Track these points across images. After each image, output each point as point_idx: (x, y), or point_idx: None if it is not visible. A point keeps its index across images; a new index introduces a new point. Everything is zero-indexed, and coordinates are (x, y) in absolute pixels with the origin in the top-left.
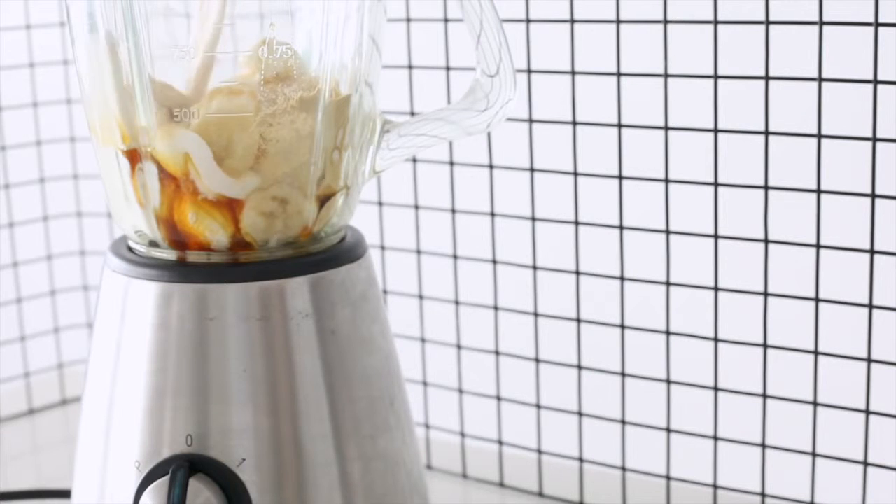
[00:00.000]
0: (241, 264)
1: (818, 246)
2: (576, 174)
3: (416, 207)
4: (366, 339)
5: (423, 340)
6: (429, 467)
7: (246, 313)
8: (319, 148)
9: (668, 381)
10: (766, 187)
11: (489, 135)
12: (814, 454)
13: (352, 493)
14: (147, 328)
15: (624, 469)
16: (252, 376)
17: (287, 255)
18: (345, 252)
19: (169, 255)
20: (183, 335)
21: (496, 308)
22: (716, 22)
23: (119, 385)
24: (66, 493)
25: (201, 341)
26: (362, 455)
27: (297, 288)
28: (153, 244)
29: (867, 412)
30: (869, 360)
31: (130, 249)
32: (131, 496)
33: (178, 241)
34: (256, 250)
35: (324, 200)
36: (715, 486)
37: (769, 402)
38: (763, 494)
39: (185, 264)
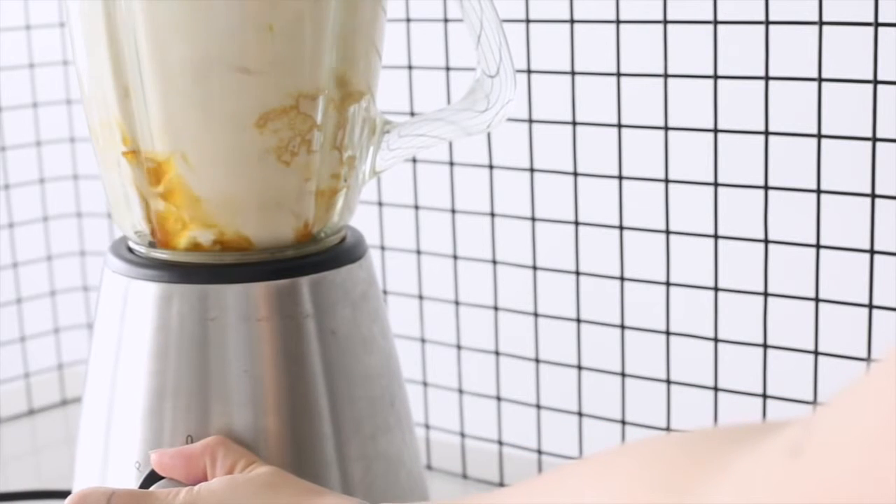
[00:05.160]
0: (242, 265)
1: (818, 246)
2: (576, 174)
3: (416, 207)
4: (366, 339)
5: (423, 340)
6: (429, 467)
7: (246, 313)
8: (319, 148)
9: (668, 381)
10: (766, 187)
11: (489, 135)
12: None
13: (352, 492)
14: (147, 329)
15: None
16: (252, 377)
17: (287, 255)
18: (345, 252)
19: (169, 255)
20: (183, 336)
21: (496, 308)
22: (716, 22)
23: (119, 385)
24: (66, 494)
25: (201, 342)
26: (363, 455)
27: (298, 288)
28: (153, 245)
29: None
30: (869, 360)
31: (130, 250)
32: None
33: (178, 241)
34: (256, 251)
35: (324, 201)
36: None
37: (769, 401)
38: None
39: (185, 265)
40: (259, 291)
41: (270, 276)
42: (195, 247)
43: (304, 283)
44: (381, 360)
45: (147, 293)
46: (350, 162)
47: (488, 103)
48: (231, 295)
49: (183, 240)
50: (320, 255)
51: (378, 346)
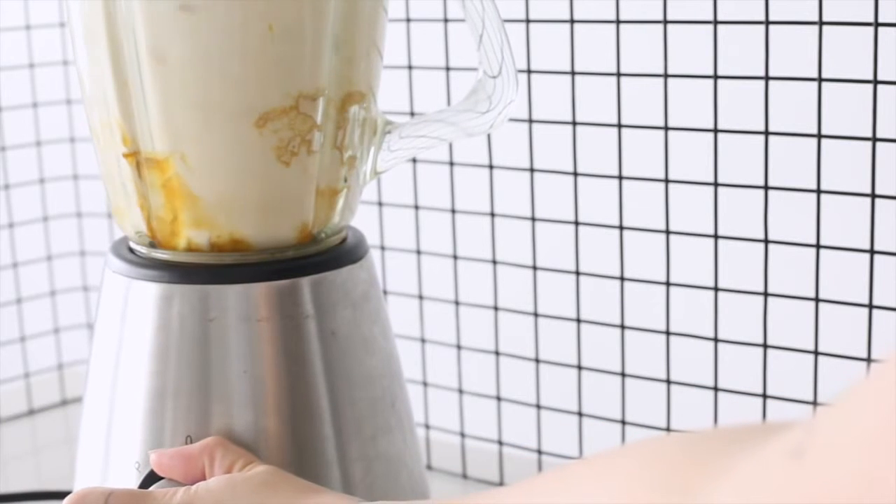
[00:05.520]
0: (242, 265)
1: (818, 246)
2: (576, 174)
3: (416, 208)
4: (367, 339)
5: (423, 340)
6: (429, 467)
7: (246, 314)
8: (320, 149)
9: (668, 381)
10: (766, 187)
11: (489, 135)
12: None
13: (353, 493)
14: (148, 329)
15: None
16: (253, 377)
17: (288, 256)
18: (346, 253)
19: (169, 255)
20: (184, 336)
21: (496, 308)
22: (716, 22)
23: (120, 386)
24: (66, 494)
25: (202, 342)
26: (364, 456)
27: (298, 289)
28: (153, 245)
29: None
30: (869, 361)
31: (131, 250)
32: None
33: (178, 241)
34: (257, 251)
35: (324, 201)
36: None
37: (769, 401)
38: None
39: (185, 265)
40: (259, 292)
41: (271, 277)
42: (195, 247)
43: (305, 283)
44: (381, 360)
45: (148, 293)
46: (351, 162)
47: (490, 104)
48: (231, 295)
49: (182, 240)
50: (321, 256)
51: (379, 346)
